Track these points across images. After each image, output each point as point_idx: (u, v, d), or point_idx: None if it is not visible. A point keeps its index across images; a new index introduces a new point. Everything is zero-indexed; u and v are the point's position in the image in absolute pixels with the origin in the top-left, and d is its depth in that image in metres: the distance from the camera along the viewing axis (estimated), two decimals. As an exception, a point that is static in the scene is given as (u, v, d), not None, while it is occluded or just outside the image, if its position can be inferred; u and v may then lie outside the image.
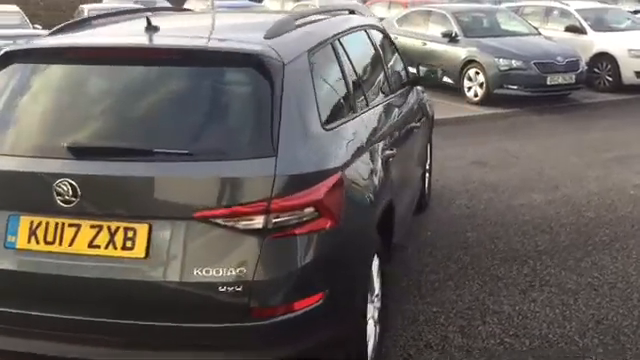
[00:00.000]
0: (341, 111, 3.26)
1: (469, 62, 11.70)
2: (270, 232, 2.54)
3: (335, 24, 3.76)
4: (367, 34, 4.29)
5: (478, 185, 7.03)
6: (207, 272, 2.50)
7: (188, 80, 2.81)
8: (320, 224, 2.66)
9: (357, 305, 3.02)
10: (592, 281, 4.68)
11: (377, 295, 3.49)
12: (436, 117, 10.21)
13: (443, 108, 11.23)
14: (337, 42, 3.54)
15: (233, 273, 2.50)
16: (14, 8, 14.98)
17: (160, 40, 2.97)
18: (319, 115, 2.89)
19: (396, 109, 4.28)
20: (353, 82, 3.53)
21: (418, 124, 4.85)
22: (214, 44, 2.94)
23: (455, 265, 4.95)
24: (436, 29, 12.56)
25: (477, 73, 11.54)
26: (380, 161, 3.46)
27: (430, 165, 6.39)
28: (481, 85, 11.49)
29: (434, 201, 6.42)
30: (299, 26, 3.27)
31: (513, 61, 11.24)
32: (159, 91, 2.81)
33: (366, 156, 3.25)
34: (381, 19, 14.73)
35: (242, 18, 3.74)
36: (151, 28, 3.03)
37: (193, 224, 2.53)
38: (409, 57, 12.94)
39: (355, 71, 3.66)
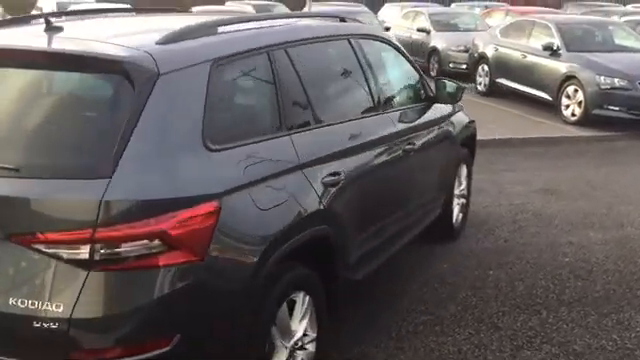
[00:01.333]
0: (251, 130, 2.89)
1: (569, 78, 10.73)
2: (98, 264, 2.23)
3: (283, 32, 3.37)
4: (350, 44, 3.85)
5: (530, 216, 6.32)
6: (22, 303, 2.24)
7: (44, 85, 2.58)
8: (169, 259, 2.32)
9: (240, 353, 2.64)
10: (606, 344, 3.98)
11: (298, 338, 3.08)
12: (519, 136, 9.66)
13: (533, 126, 10.48)
14: (280, 52, 3.16)
15: (49, 307, 2.22)
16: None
17: (37, 43, 2.73)
18: (203, 134, 2.55)
19: (376, 128, 3.82)
20: (291, 97, 3.14)
21: (419, 144, 4.33)
22: (83, 48, 2.63)
23: (455, 307, 4.40)
24: (538, 41, 11.65)
25: (576, 91, 10.55)
26: (312, 187, 3.05)
27: (468, 191, 5.81)
28: (579, 104, 10.50)
29: (470, 230, 5.83)
30: (221, 33, 2.93)
31: (616, 80, 10.17)
32: (10, 97, 2.59)
33: (280, 181, 2.85)
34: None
35: (169, 21, 3.37)
36: (50, 29, 2.81)
37: (12, 248, 2.27)
38: (508, 70, 12.27)
39: (302, 85, 3.26)
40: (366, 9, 18.74)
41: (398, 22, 18.27)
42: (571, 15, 16.60)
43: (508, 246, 5.55)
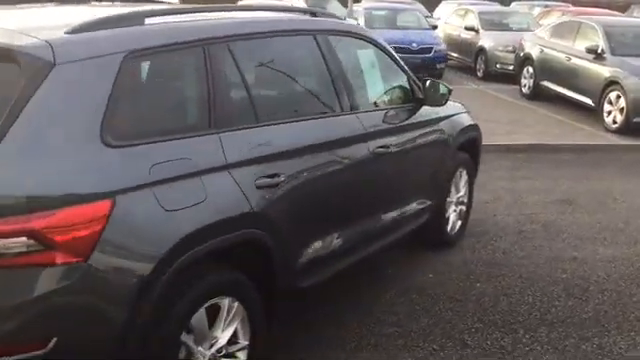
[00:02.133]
0: (168, 127, 2.76)
1: (611, 83, 10.20)
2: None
3: (226, 26, 3.21)
4: (316, 40, 3.67)
5: (539, 228, 6.00)
6: None
7: None
8: (47, 258, 2.22)
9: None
10: (576, 372, 3.69)
11: (222, 346, 2.95)
12: (552, 142, 9.22)
13: (570, 132, 10.04)
14: (218, 47, 3.02)
15: None
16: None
17: None
18: (102, 129, 2.43)
19: (334, 129, 3.64)
20: (227, 95, 3.00)
21: (396, 147, 4.12)
22: None
23: (427, 320, 4.19)
24: (583, 43, 11.12)
25: (618, 97, 10.02)
26: (240, 188, 2.90)
27: (469, 198, 5.54)
28: (621, 111, 9.97)
29: (469, 239, 5.57)
30: (146, 24, 2.81)
31: (661, 88, 9.61)
32: None
33: (196, 181, 2.72)
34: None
35: (101, 11, 3.23)
36: None
37: None
38: (552, 73, 11.76)
39: (245, 82, 3.12)
40: (413, 6, 18.39)
41: (449, 20, 17.87)
42: (623, 17, 15.81)
43: (505, 258, 5.27)
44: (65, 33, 2.55)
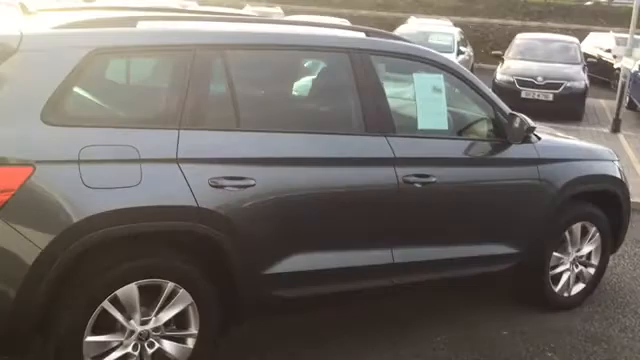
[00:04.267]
0: (113, 116, 3.08)
1: None
2: None
3: (221, 34, 3.40)
4: (350, 58, 3.65)
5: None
6: None
7: None
8: None
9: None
10: None
11: (157, 327, 3.17)
12: None
13: None
14: (209, 52, 3.27)
15: None
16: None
17: None
18: (45, 108, 2.84)
19: (338, 145, 3.60)
20: (205, 97, 3.20)
21: (444, 180, 3.86)
22: None
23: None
24: None
25: None
26: (187, 183, 3.08)
27: (600, 261, 4.86)
28: None
29: (594, 308, 4.82)
30: (134, 26, 3.18)
31: None
32: None
33: (134, 167, 2.97)
34: None
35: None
36: None
37: None
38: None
39: (232, 88, 3.30)
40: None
41: None
42: None
43: (618, 337, 4.46)
44: (51, 28, 3.06)
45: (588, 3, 32.79)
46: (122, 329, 3.09)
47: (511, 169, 4.23)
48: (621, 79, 12.25)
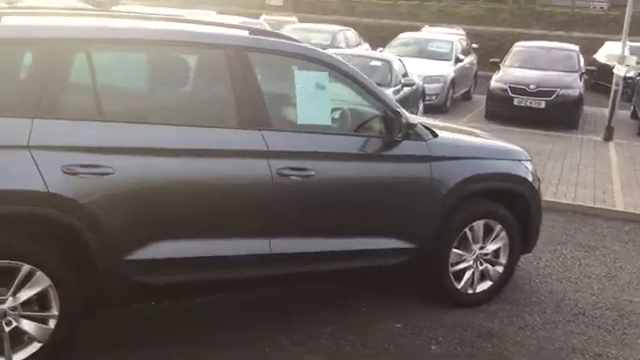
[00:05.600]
0: None
1: None
2: None
3: (86, 29, 3.62)
4: (226, 56, 3.80)
5: (604, 314, 4.90)
6: None
7: None
8: None
9: None
10: None
11: (13, 306, 3.35)
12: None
13: None
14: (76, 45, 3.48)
15: None
16: None
17: None
18: None
19: (204, 137, 3.73)
20: (63, 86, 3.40)
21: (322, 173, 3.97)
22: None
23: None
24: None
25: None
26: (38, 168, 3.24)
27: (509, 260, 4.87)
28: None
29: (501, 306, 4.85)
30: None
31: None
32: None
33: None
34: None
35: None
36: None
37: None
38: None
39: (92, 80, 3.48)
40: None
41: None
42: None
43: (513, 334, 4.48)
44: None
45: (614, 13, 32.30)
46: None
47: (398, 165, 4.31)
48: (613, 87, 12.12)
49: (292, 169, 3.90)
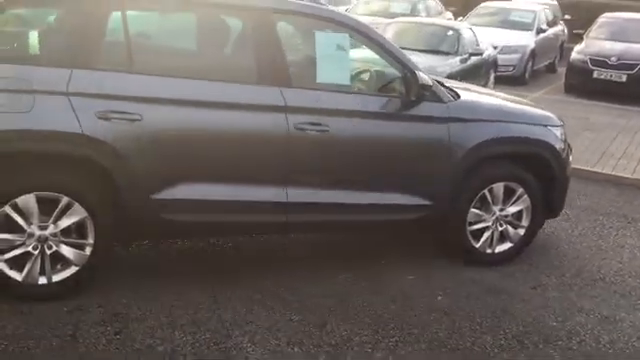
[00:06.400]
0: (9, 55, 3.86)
1: None
2: None
3: None
4: (251, 17, 4.15)
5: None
6: None
7: None
8: None
9: None
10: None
11: (55, 232, 3.87)
12: None
13: None
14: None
15: None
16: None
17: None
18: None
19: (227, 91, 4.09)
20: (88, 41, 3.84)
21: (338, 129, 4.28)
22: None
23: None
24: None
25: None
26: (75, 113, 3.71)
27: (531, 222, 5.00)
28: None
29: (520, 266, 5.01)
30: None
31: None
32: None
33: (25, 97, 3.66)
34: None
35: None
36: None
37: None
38: None
39: (126, 36, 3.90)
40: None
41: None
42: None
43: (522, 293, 4.64)
44: None
45: None
46: (22, 231, 3.79)
47: (414, 125, 4.52)
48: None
49: (308, 124, 4.20)
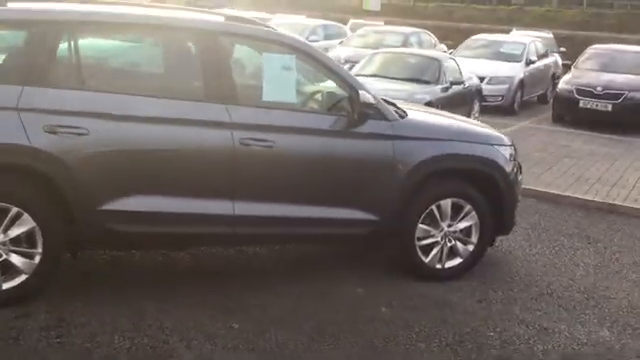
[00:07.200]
0: None
1: None
2: None
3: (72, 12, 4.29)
4: (201, 39, 4.39)
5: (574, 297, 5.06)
6: None
7: None
8: None
9: None
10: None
11: (3, 241, 4.05)
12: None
13: None
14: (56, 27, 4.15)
15: None
16: None
17: None
18: None
19: (173, 108, 4.29)
20: (40, 61, 4.08)
21: (282, 145, 4.47)
22: None
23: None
24: None
25: None
26: (23, 126, 3.93)
27: (479, 239, 5.11)
28: None
29: (468, 282, 5.12)
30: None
31: None
32: None
33: None
34: None
35: None
36: None
37: None
38: None
39: (75, 56, 4.15)
40: None
41: None
42: None
43: (466, 311, 4.75)
44: None
45: None
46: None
47: (358, 142, 4.69)
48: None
49: (252, 139, 4.40)
